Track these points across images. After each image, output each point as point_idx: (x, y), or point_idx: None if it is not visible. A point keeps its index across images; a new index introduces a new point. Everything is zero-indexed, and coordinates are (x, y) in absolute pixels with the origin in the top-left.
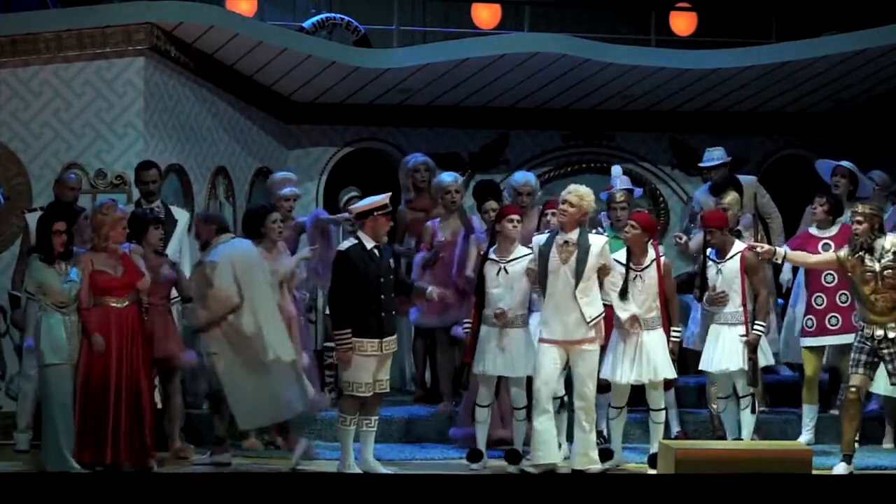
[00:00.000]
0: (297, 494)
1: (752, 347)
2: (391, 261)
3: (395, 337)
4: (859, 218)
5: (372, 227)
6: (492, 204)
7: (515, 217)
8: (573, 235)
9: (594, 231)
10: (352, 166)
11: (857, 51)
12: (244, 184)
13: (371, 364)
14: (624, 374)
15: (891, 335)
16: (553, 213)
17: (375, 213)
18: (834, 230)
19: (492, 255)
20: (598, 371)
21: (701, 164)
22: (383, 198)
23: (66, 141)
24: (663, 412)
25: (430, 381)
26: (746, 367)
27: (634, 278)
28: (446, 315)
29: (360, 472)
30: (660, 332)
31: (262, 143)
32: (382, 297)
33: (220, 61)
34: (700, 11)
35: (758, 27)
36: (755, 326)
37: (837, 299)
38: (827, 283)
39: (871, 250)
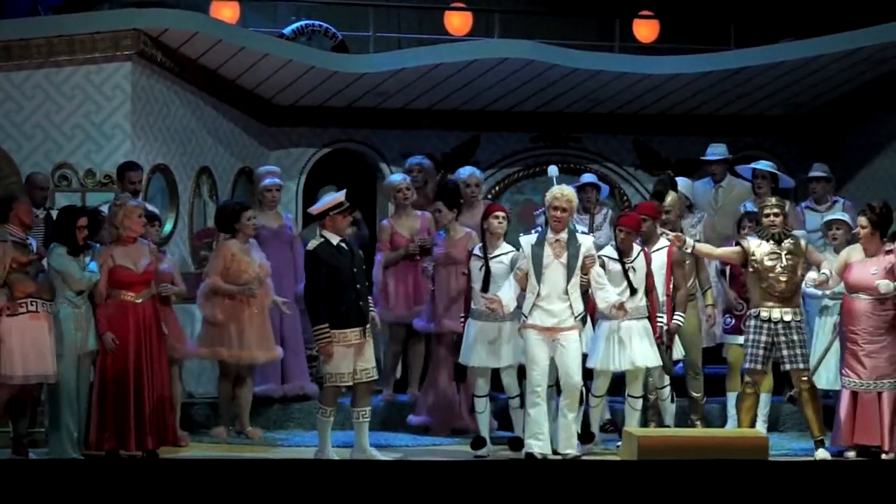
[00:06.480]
0: (306, 482)
1: (671, 336)
2: (360, 252)
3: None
4: (776, 210)
5: (332, 225)
6: (437, 205)
7: (501, 214)
8: (564, 235)
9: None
10: (330, 166)
11: (811, 57)
12: (227, 183)
13: (350, 353)
14: (611, 362)
15: (787, 318)
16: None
17: (331, 213)
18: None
19: (476, 252)
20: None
21: (703, 157)
22: (337, 197)
23: (56, 142)
24: (641, 400)
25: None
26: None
27: (627, 269)
28: (411, 311)
29: (337, 458)
30: (645, 322)
31: (245, 143)
32: (358, 286)
33: (204, 66)
34: (662, 19)
35: (717, 34)
36: (675, 316)
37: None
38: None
39: (779, 240)
